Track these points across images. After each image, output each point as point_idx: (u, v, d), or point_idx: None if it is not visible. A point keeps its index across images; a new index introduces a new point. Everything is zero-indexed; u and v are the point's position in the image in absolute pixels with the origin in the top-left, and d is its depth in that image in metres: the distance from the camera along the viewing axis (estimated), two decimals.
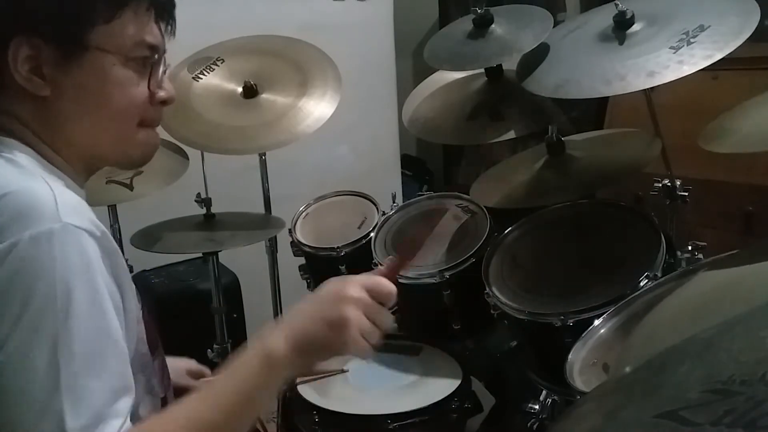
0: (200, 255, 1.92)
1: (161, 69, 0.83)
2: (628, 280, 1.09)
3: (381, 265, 1.45)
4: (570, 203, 1.35)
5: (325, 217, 1.74)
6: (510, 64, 1.39)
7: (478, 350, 1.47)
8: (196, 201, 1.71)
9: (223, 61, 1.72)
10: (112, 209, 1.70)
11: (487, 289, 1.25)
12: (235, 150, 1.67)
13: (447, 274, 1.35)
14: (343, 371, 1.27)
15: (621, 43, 1.20)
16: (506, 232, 1.38)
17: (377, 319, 0.80)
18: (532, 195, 1.40)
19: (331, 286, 0.83)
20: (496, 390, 1.35)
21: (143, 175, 1.58)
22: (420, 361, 1.34)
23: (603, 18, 1.27)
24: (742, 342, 0.40)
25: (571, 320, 1.09)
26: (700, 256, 1.12)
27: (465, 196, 1.55)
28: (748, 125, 1.03)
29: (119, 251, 0.75)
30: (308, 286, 1.74)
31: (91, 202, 0.76)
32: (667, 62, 1.08)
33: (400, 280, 1.41)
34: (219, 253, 1.71)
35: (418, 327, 1.49)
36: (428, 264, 1.41)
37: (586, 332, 1.03)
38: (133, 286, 0.80)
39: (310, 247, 1.64)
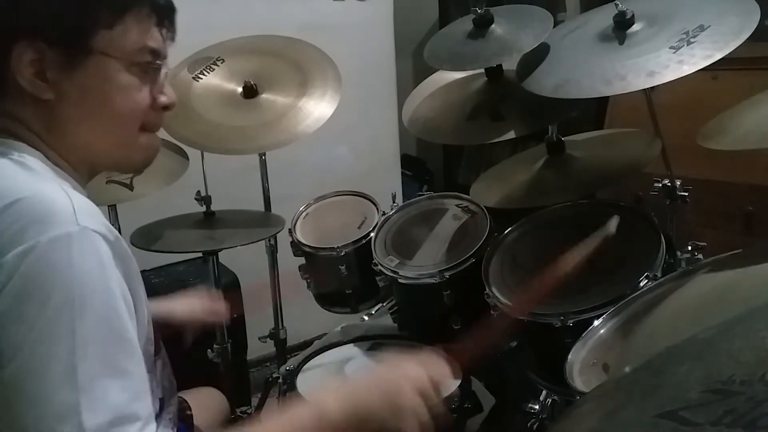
0: (200, 255, 1.92)
1: (163, 74, 0.84)
2: (628, 280, 1.09)
3: (381, 265, 1.45)
4: (570, 203, 1.35)
5: (325, 217, 1.74)
6: (510, 64, 1.39)
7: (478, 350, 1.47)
8: (195, 199, 1.71)
9: (223, 61, 1.72)
10: (112, 209, 1.70)
11: (487, 289, 1.25)
12: (235, 150, 1.67)
13: (447, 274, 1.35)
14: None
15: (621, 43, 1.20)
16: (506, 232, 1.38)
17: (430, 403, 0.82)
18: (532, 195, 1.40)
19: (394, 361, 0.86)
20: (496, 390, 1.35)
21: (143, 175, 1.57)
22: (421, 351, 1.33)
23: (603, 18, 1.27)
24: (742, 342, 0.40)
25: (571, 320, 1.09)
26: (700, 256, 1.12)
27: (465, 196, 1.55)
28: (748, 123, 1.03)
29: (132, 255, 0.76)
30: (308, 286, 1.74)
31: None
32: (667, 62, 1.08)
33: (399, 280, 1.42)
34: (219, 253, 1.71)
35: (418, 327, 1.49)
36: (428, 264, 1.41)
37: (586, 332, 1.03)
38: (144, 288, 0.81)
39: (310, 247, 1.64)
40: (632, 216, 1.25)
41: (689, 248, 1.14)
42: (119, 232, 1.72)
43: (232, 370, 1.80)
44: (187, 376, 1.24)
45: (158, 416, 0.90)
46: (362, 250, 1.56)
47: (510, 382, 1.46)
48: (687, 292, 0.86)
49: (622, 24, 1.21)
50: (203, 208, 1.72)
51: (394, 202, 1.67)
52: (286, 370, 1.33)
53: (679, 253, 1.15)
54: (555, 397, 1.30)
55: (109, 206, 1.68)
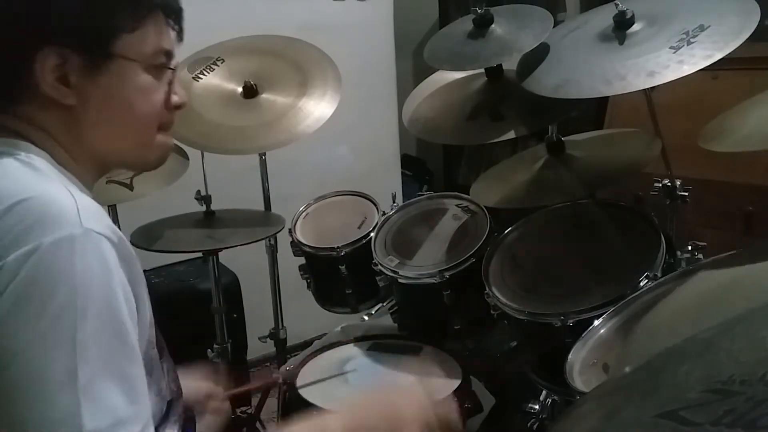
0: (200, 255, 1.92)
1: (173, 75, 0.85)
2: (628, 280, 1.09)
3: (381, 265, 1.45)
4: (570, 203, 1.35)
5: (325, 217, 1.74)
6: (510, 64, 1.39)
7: (478, 350, 1.47)
8: (196, 198, 1.71)
9: (223, 61, 1.72)
10: (112, 209, 1.70)
11: (487, 289, 1.25)
12: (235, 150, 1.67)
13: (447, 274, 1.35)
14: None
15: (621, 43, 1.20)
16: (506, 232, 1.38)
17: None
18: (532, 195, 1.40)
19: (397, 391, 0.88)
20: (496, 390, 1.35)
21: (143, 175, 1.58)
22: (420, 361, 1.34)
23: (603, 18, 1.27)
24: (742, 342, 0.40)
25: (571, 320, 1.09)
26: (700, 256, 1.12)
27: (465, 196, 1.55)
28: (748, 124, 1.03)
29: (135, 257, 0.75)
30: (308, 286, 1.74)
31: None
32: (667, 62, 1.08)
33: (399, 280, 1.42)
34: (219, 253, 1.71)
35: (418, 327, 1.49)
36: (428, 264, 1.41)
37: (586, 332, 1.03)
38: (147, 290, 0.81)
39: (310, 247, 1.64)
40: (632, 216, 1.25)
41: (689, 248, 1.14)
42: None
43: (232, 370, 1.80)
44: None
45: (165, 418, 0.90)
46: (362, 250, 1.56)
47: (510, 382, 1.46)
48: (687, 291, 0.86)
49: (622, 24, 1.21)
50: (203, 208, 1.72)
51: (394, 202, 1.67)
52: (287, 369, 1.33)
53: (679, 253, 1.15)
54: (555, 397, 1.30)
55: (109, 206, 1.68)
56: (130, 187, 1.56)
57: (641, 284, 1.07)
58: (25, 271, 0.63)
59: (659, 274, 1.08)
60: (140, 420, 0.66)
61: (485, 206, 1.47)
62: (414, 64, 3.00)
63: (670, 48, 1.10)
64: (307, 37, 1.80)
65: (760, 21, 1.07)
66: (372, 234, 1.56)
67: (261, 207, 1.88)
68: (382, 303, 1.66)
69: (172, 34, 0.84)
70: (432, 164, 3.34)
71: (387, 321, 1.58)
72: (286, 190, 1.93)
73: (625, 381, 0.48)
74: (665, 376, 0.40)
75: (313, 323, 1.94)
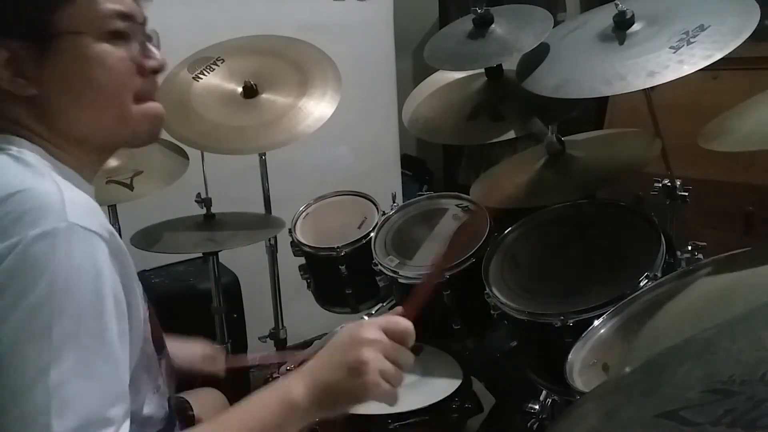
0: (200, 255, 1.92)
1: (142, 37, 0.80)
2: (628, 280, 1.09)
3: (381, 265, 1.45)
4: (570, 203, 1.35)
5: (325, 217, 1.74)
6: (510, 64, 1.39)
7: (478, 350, 1.47)
8: (196, 201, 1.71)
9: (223, 61, 1.72)
10: (112, 209, 1.70)
11: (487, 289, 1.25)
12: (235, 150, 1.67)
13: (447, 274, 1.35)
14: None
15: (621, 43, 1.20)
16: (506, 232, 1.38)
17: (397, 359, 0.79)
18: (532, 195, 1.40)
19: (348, 330, 0.82)
20: (496, 390, 1.35)
21: (143, 175, 1.58)
22: (420, 361, 1.34)
23: (603, 18, 1.27)
24: (742, 342, 0.40)
25: (571, 320, 1.09)
26: (700, 256, 1.12)
27: (465, 196, 1.55)
28: (748, 124, 1.03)
29: (126, 252, 0.74)
30: (308, 286, 1.74)
31: None
32: (667, 62, 1.08)
33: (399, 280, 1.42)
34: (219, 253, 1.71)
35: (418, 327, 1.49)
36: (428, 264, 1.41)
37: (586, 332, 1.03)
38: (140, 285, 0.80)
39: (310, 247, 1.64)
40: (632, 216, 1.25)
41: (689, 248, 1.14)
42: (119, 232, 1.75)
43: (232, 370, 1.80)
44: (187, 376, 1.24)
45: (169, 416, 0.90)
46: (362, 250, 1.56)
47: (510, 382, 1.46)
48: (687, 292, 0.86)
49: (622, 24, 1.21)
50: (203, 210, 1.72)
51: (394, 202, 1.67)
52: (287, 369, 1.33)
53: (679, 253, 1.15)
54: (555, 397, 1.30)
55: (109, 206, 1.68)
56: (130, 187, 1.56)
57: (641, 284, 1.07)
58: (7, 264, 0.63)
59: (659, 274, 1.08)
60: (114, 422, 0.64)
61: (485, 206, 1.47)
62: (414, 64, 3.00)
63: (670, 48, 1.10)
64: (307, 37, 1.80)
65: (760, 21, 1.07)
66: (372, 234, 1.56)
67: (261, 207, 1.87)
68: (382, 303, 1.65)
69: None
70: (432, 164, 3.33)
71: None
72: (286, 191, 1.93)
73: (625, 381, 0.48)
74: (665, 376, 0.40)
75: (313, 323, 1.93)
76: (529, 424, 1.29)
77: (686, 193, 1.28)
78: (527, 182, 1.44)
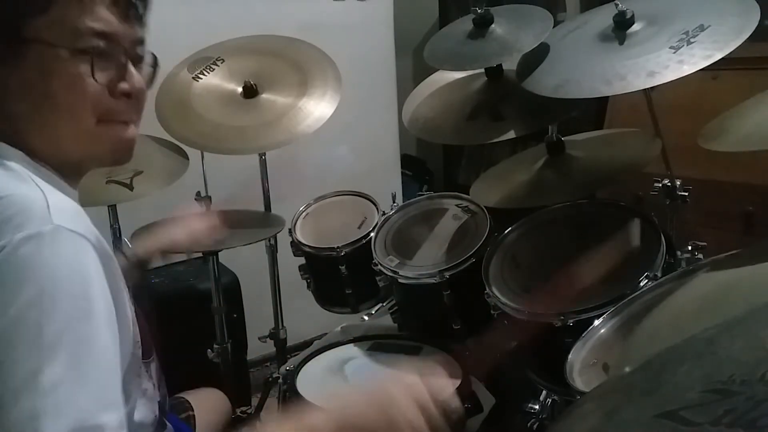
0: (200, 255, 1.92)
1: (122, 59, 0.77)
2: (628, 280, 1.09)
3: (381, 265, 1.45)
4: (570, 203, 1.35)
5: (325, 217, 1.74)
6: (510, 64, 1.39)
7: (478, 350, 1.47)
8: (196, 199, 1.71)
9: (223, 61, 1.72)
10: (112, 209, 1.70)
11: (487, 289, 1.25)
12: (235, 150, 1.67)
13: (447, 274, 1.35)
14: None
15: (621, 43, 1.20)
16: (506, 232, 1.38)
17: (431, 420, 0.78)
18: (532, 195, 1.40)
19: (388, 378, 0.82)
20: (496, 390, 1.34)
21: (143, 175, 1.58)
22: (420, 361, 1.34)
23: (603, 18, 1.27)
24: (742, 342, 0.40)
25: (571, 320, 1.09)
26: (700, 256, 1.12)
27: (465, 196, 1.55)
28: (748, 124, 1.03)
29: (113, 256, 0.74)
30: (308, 286, 1.74)
31: (91, 202, 0.75)
32: (667, 62, 1.08)
33: (399, 280, 1.42)
34: (219, 253, 1.71)
35: (418, 327, 1.49)
36: (428, 264, 1.41)
37: (586, 332, 1.03)
38: (127, 289, 0.79)
39: (310, 247, 1.64)
40: (632, 216, 1.25)
41: (689, 248, 1.14)
42: (119, 232, 1.75)
43: (232, 370, 1.80)
44: (187, 376, 1.24)
45: (159, 420, 0.89)
46: (362, 250, 1.56)
47: (510, 382, 1.46)
48: (687, 292, 0.86)
49: (622, 24, 1.21)
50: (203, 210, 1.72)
51: (394, 202, 1.67)
52: (286, 370, 1.33)
53: (679, 253, 1.15)
54: (555, 397, 1.30)
55: (109, 206, 1.68)
56: (130, 187, 1.56)
57: (641, 284, 1.07)
58: None
59: (659, 274, 1.08)
60: (107, 428, 0.62)
61: (485, 206, 1.47)
62: (414, 64, 3.00)
63: (670, 48, 1.10)
64: (307, 37, 1.80)
65: (760, 21, 1.07)
66: (372, 234, 1.56)
67: (261, 207, 1.88)
68: (382, 303, 1.66)
69: (116, 13, 0.75)
70: (432, 164, 3.33)
71: (387, 321, 1.58)
72: (286, 190, 1.93)
73: (625, 381, 0.48)
74: (665, 376, 0.40)
75: (313, 323, 1.94)
76: (529, 424, 1.29)
77: (686, 193, 1.28)
78: (527, 182, 1.44)
